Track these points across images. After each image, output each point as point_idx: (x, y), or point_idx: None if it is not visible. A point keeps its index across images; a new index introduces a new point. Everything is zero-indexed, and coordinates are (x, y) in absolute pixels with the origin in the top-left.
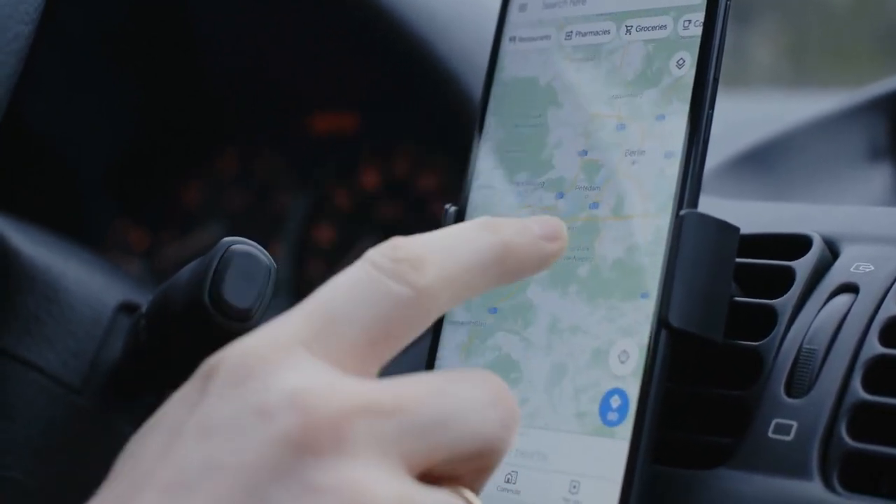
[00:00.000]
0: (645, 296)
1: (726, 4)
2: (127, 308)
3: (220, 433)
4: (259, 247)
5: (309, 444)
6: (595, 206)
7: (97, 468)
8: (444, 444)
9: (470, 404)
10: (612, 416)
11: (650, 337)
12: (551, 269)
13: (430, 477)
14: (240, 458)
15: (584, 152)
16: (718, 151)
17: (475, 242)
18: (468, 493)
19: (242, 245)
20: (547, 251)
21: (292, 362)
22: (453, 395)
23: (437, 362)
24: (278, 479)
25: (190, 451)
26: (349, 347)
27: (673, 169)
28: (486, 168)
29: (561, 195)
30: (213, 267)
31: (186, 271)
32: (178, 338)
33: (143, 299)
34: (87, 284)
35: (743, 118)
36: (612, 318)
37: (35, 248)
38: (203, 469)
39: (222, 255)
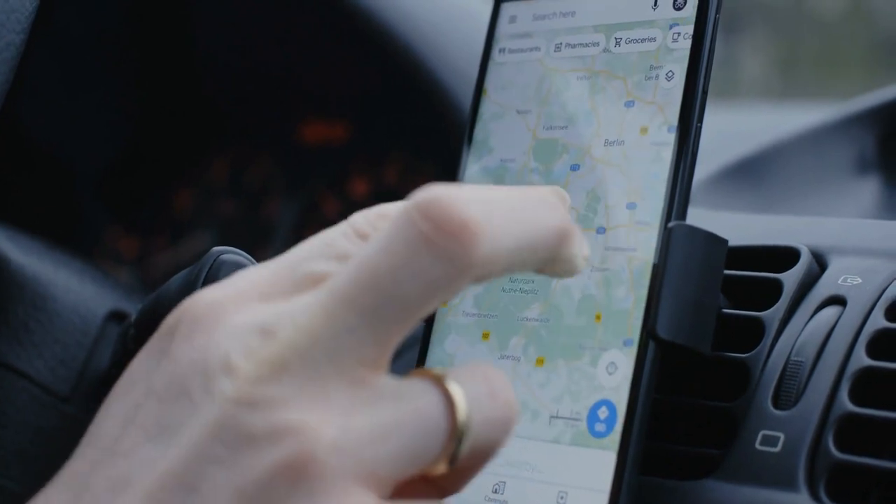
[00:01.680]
0: (634, 307)
1: (716, 17)
2: (116, 317)
3: (169, 397)
4: (248, 256)
5: (244, 400)
6: (585, 217)
7: None
8: (391, 319)
9: (392, 265)
10: (600, 427)
11: (638, 348)
12: (538, 283)
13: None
14: (186, 422)
15: (575, 165)
16: (707, 163)
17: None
18: (451, 384)
19: (232, 255)
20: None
21: (240, 312)
22: (372, 271)
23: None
24: (220, 438)
25: (145, 418)
26: (299, 288)
27: (662, 181)
28: (475, 178)
29: None
30: (203, 276)
31: (176, 280)
32: None
33: (133, 308)
34: (76, 293)
35: (732, 129)
36: (601, 328)
37: (25, 256)
38: (156, 436)
39: (212, 265)
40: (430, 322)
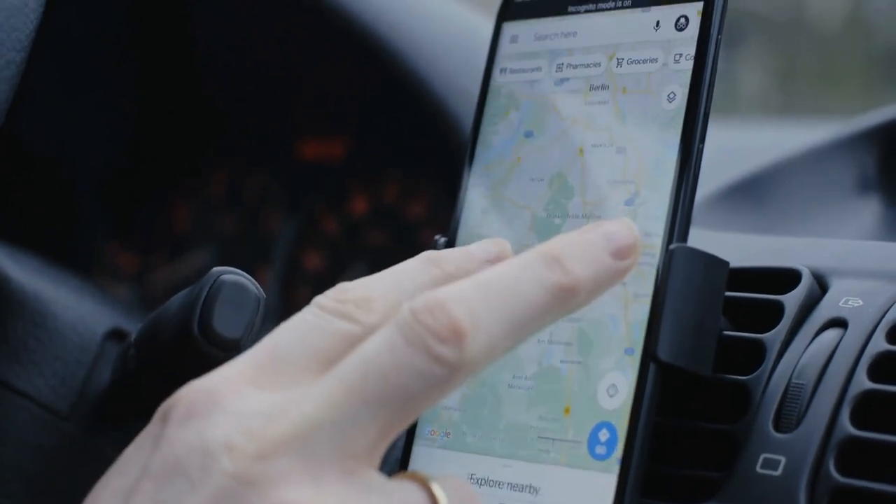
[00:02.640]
0: (633, 326)
1: (717, 38)
2: (116, 335)
3: (168, 476)
4: (248, 277)
5: (245, 478)
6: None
7: (84, 495)
8: (394, 414)
9: (395, 362)
10: (601, 450)
11: (638, 371)
12: None
13: None
14: (184, 499)
15: (574, 186)
16: (708, 181)
17: (418, 278)
18: (435, 486)
19: (232, 275)
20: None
21: (236, 398)
22: (377, 365)
23: None
24: None
25: (143, 495)
26: (295, 380)
27: (663, 202)
28: (476, 198)
29: None
30: (203, 297)
31: (176, 300)
32: (167, 366)
33: (132, 327)
34: (75, 311)
35: (732, 146)
36: (602, 351)
37: (24, 274)
38: None
39: (212, 285)
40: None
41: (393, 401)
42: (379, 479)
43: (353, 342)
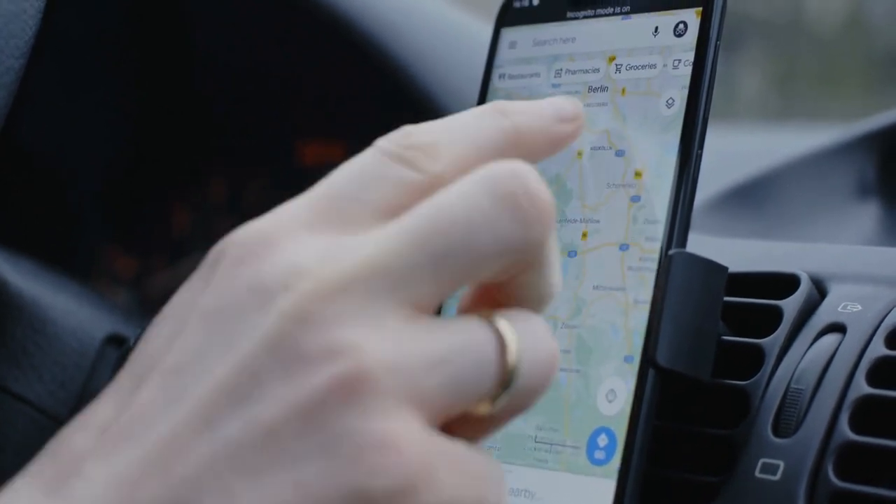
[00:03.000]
0: (633, 334)
1: (716, 44)
2: (114, 340)
3: (221, 317)
4: None
5: (301, 317)
6: (584, 242)
7: None
8: (457, 269)
9: (472, 218)
10: (600, 455)
11: (637, 376)
12: None
13: (481, 304)
14: (238, 341)
15: (573, 190)
16: (707, 186)
17: (487, 128)
18: (501, 322)
19: None
20: (561, 133)
21: (291, 240)
22: (450, 218)
23: None
24: (273, 353)
25: (193, 336)
26: (354, 226)
27: (662, 208)
28: None
29: None
30: None
31: None
32: None
33: (131, 331)
34: (74, 316)
35: (731, 151)
36: (601, 359)
37: (23, 279)
38: (204, 353)
39: None
40: None
41: (457, 259)
42: (439, 321)
43: (416, 191)
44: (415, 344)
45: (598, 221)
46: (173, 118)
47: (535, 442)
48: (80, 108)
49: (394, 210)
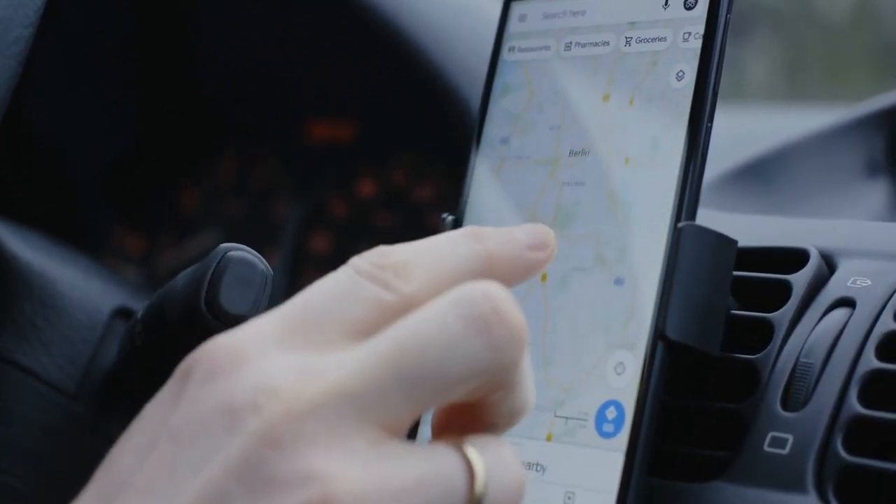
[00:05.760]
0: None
1: (727, 17)
2: (123, 313)
3: (190, 438)
4: (256, 253)
5: (270, 440)
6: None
7: (91, 473)
8: (427, 393)
9: (444, 342)
10: (608, 428)
11: (647, 349)
12: (551, 280)
13: (452, 421)
14: (207, 463)
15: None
16: (716, 164)
17: (461, 251)
18: (469, 450)
19: (239, 251)
20: (533, 260)
21: (262, 357)
22: (421, 342)
23: None
24: (241, 478)
25: (162, 457)
26: (326, 345)
27: (671, 181)
28: (484, 178)
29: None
30: (210, 273)
31: (183, 277)
32: (174, 344)
33: (139, 305)
34: (83, 289)
35: (741, 131)
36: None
37: (31, 252)
38: (173, 475)
39: (219, 262)
40: None
41: (427, 383)
42: (408, 446)
43: (388, 311)
44: (384, 472)
45: None
46: (182, 97)
47: (545, 416)
48: (89, 87)
49: (366, 329)
